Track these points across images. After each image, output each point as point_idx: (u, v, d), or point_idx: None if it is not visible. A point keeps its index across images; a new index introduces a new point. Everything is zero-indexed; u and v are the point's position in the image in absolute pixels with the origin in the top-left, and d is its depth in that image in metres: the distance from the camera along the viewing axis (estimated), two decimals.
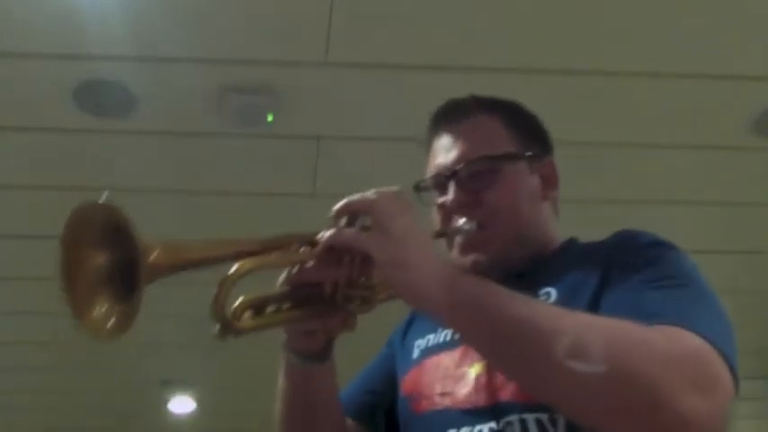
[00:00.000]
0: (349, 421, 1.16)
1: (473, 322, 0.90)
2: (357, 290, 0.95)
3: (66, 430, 6.02)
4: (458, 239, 1.13)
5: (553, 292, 1.04)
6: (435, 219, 1.17)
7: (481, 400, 1.03)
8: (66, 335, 4.99)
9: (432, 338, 1.16)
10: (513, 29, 2.48)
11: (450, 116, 1.21)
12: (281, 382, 1.09)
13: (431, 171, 1.19)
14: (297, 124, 2.83)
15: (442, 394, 1.07)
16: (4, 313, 4.28)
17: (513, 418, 0.98)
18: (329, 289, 0.93)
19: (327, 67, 2.59)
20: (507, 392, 1.00)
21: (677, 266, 1.01)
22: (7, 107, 2.76)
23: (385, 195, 0.92)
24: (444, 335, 1.14)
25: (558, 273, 1.05)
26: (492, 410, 1.01)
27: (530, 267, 0.96)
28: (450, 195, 1.13)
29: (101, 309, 0.84)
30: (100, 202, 0.84)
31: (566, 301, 0.99)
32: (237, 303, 0.90)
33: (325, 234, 0.91)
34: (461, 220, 1.11)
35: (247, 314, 0.91)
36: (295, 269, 0.94)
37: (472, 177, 1.13)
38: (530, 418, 0.98)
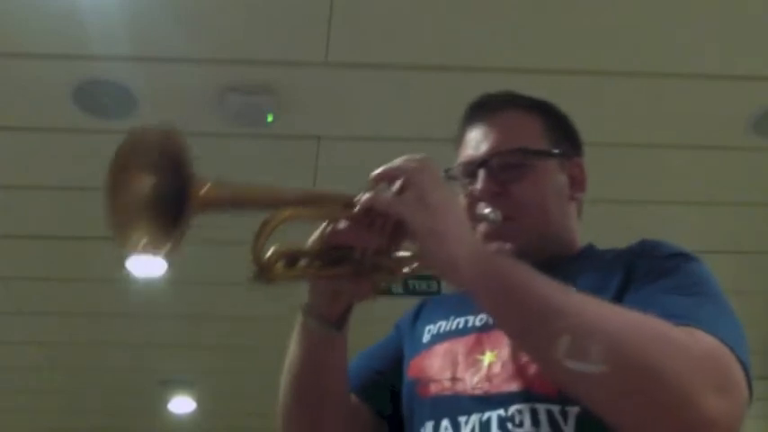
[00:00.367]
0: (352, 397, 1.16)
1: (502, 298, 0.90)
2: (384, 259, 0.96)
3: (67, 430, 6.03)
4: (481, 227, 1.12)
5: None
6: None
7: (492, 388, 1.02)
8: (66, 335, 5.00)
9: (444, 325, 1.16)
10: (513, 29, 2.48)
11: (486, 109, 1.21)
12: (294, 350, 1.08)
13: (461, 160, 1.19)
14: (297, 124, 2.84)
15: (453, 379, 1.07)
16: (4, 313, 4.28)
17: (524, 407, 0.98)
18: (358, 254, 0.94)
19: (327, 67, 2.59)
20: (520, 382, 1.00)
21: (699, 276, 1.01)
22: (7, 107, 2.76)
23: (425, 166, 0.92)
24: (457, 323, 1.14)
25: (578, 275, 1.04)
26: (502, 399, 1.00)
27: (549, 266, 0.97)
28: (479, 184, 1.13)
29: (141, 234, 0.84)
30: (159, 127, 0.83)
31: None
32: (271, 252, 0.91)
33: (364, 196, 0.91)
34: (487, 209, 1.11)
35: (280, 264, 0.92)
36: (329, 228, 0.94)
37: (503, 169, 1.13)
38: (541, 408, 0.97)
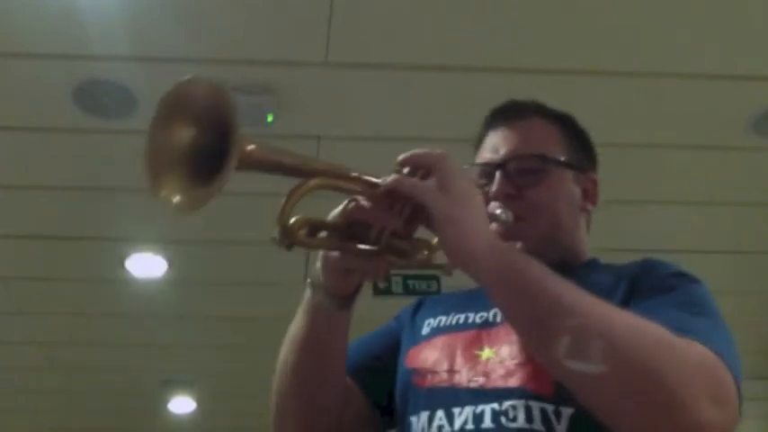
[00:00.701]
0: (347, 379, 1.17)
1: (516, 289, 0.92)
2: (399, 241, 0.98)
3: (66, 430, 6.03)
4: (492, 227, 1.11)
5: None
6: None
7: (489, 383, 1.04)
8: (66, 335, 4.99)
9: (444, 320, 1.18)
10: (513, 29, 2.48)
11: (509, 114, 1.24)
12: (297, 324, 1.09)
13: (478, 161, 1.22)
14: (297, 124, 2.84)
15: (450, 372, 1.09)
16: (4, 313, 4.28)
17: (519, 403, 1.00)
18: (375, 233, 0.96)
19: (327, 67, 2.59)
20: (516, 379, 1.02)
21: (699, 296, 1.04)
22: (7, 107, 2.76)
23: (448, 156, 0.95)
24: (457, 318, 1.16)
25: (583, 282, 1.05)
26: (498, 394, 1.02)
27: (556, 271, 0.98)
28: (494, 185, 1.15)
29: (178, 185, 0.87)
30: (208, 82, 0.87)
31: None
32: (296, 219, 0.94)
33: (388, 178, 0.94)
34: (498, 210, 1.12)
35: (302, 231, 0.96)
36: (351, 205, 0.97)
37: (519, 173, 1.16)
38: (535, 406, 0.99)
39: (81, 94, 2.68)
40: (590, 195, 1.23)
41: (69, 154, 2.99)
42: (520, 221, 1.13)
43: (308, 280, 1.06)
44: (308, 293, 1.07)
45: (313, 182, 0.94)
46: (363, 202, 0.96)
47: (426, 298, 1.29)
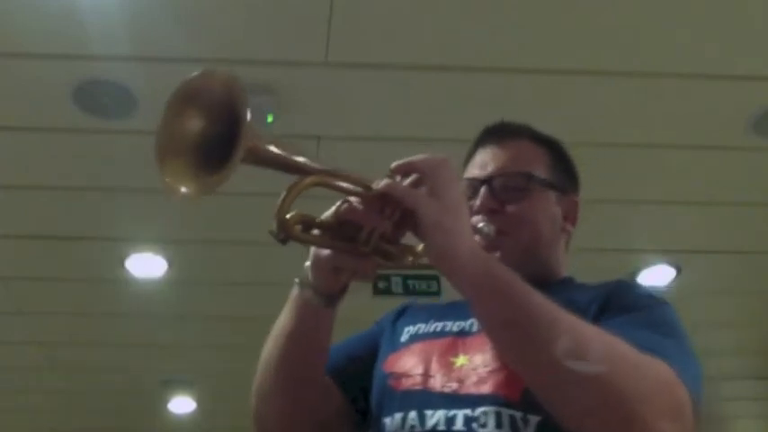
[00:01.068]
0: (326, 378, 1.20)
1: (499, 299, 0.95)
2: (388, 245, 1.01)
3: (66, 430, 6.03)
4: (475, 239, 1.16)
5: None
6: None
7: (462, 389, 1.08)
8: (66, 335, 4.99)
9: (422, 327, 1.22)
10: (513, 29, 2.47)
11: (500, 134, 1.29)
12: (283, 320, 1.12)
13: (465, 176, 1.27)
14: (297, 124, 2.84)
15: (424, 376, 1.12)
16: (4, 313, 4.28)
17: (490, 409, 1.04)
18: (365, 234, 0.98)
19: (327, 67, 2.59)
20: (488, 386, 1.06)
21: (667, 318, 1.09)
22: (7, 107, 2.76)
23: (444, 164, 0.97)
24: (435, 326, 1.20)
25: (557, 302, 1.08)
26: (472, 400, 1.06)
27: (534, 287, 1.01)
28: (478, 200, 1.20)
29: (185, 173, 0.91)
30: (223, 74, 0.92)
31: None
32: (292, 214, 0.98)
33: (381, 182, 0.96)
34: (481, 223, 1.17)
35: (298, 227, 0.99)
36: (344, 206, 1.00)
37: (504, 189, 1.21)
38: (505, 413, 1.03)
39: (81, 94, 2.68)
40: (570, 217, 1.28)
41: (69, 154, 2.99)
42: (501, 235, 1.17)
43: (297, 279, 1.09)
44: (295, 291, 1.09)
45: (310, 179, 0.97)
46: (356, 203, 0.98)
47: (409, 306, 1.33)
